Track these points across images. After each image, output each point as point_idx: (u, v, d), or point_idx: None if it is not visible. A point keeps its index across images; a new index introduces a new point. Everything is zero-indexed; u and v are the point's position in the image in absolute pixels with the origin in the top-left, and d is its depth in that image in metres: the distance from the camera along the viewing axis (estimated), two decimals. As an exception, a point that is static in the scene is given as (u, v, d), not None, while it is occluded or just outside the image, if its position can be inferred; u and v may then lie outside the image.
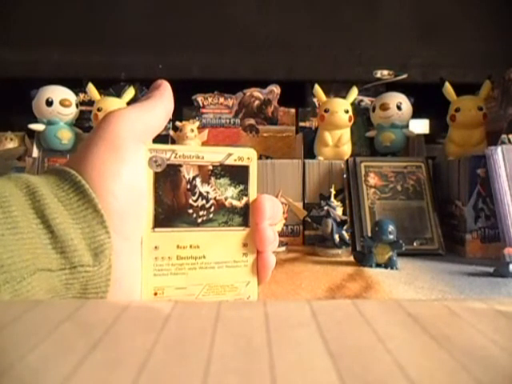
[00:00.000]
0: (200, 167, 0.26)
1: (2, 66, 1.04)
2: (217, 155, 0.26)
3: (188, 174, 0.25)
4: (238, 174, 0.26)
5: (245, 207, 0.27)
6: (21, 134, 1.01)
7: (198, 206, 0.26)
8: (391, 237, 0.55)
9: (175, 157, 0.25)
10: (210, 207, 0.26)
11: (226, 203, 0.26)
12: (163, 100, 0.26)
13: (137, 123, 0.24)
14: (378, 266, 0.56)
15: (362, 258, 0.57)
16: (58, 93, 0.79)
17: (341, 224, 0.65)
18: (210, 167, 0.26)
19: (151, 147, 0.24)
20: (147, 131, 0.24)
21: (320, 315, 0.14)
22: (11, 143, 1.00)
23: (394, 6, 1.08)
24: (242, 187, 0.27)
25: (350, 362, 0.11)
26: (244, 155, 0.27)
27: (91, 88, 0.81)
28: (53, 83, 0.81)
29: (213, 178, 0.26)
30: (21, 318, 0.14)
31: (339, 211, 0.66)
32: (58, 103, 0.79)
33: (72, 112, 0.80)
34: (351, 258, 0.61)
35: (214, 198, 0.26)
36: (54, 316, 0.14)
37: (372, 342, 0.12)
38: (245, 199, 0.27)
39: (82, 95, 0.91)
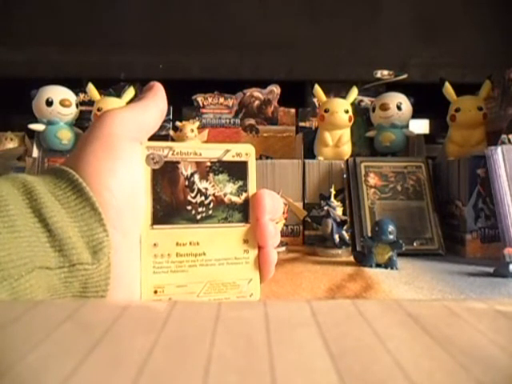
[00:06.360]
0: (198, 164, 0.26)
1: (1, 66, 1.04)
2: (214, 151, 0.26)
3: (186, 170, 0.25)
4: (236, 170, 0.26)
5: (244, 203, 0.26)
6: (21, 134, 1.01)
7: (196, 203, 0.25)
8: (391, 237, 0.55)
9: (173, 154, 0.25)
10: (209, 204, 0.26)
11: (225, 199, 0.26)
12: (156, 100, 0.26)
13: (131, 122, 0.24)
14: (378, 266, 0.56)
15: (362, 258, 0.57)
16: (58, 93, 0.79)
17: (341, 224, 0.65)
18: (208, 163, 0.26)
19: (148, 144, 0.25)
20: (141, 130, 0.25)
21: (320, 315, 0.14)
22: (11, 143, 1.00)
23: (394, 6, 1.08)
24: (240, 183, 0.26)
25: (350, 362, 0.11)
26: (242, 151, 0.27)
27: (91, 88, 0.81)
28: (53, 83, 0.81)
29: (211, 175, 0.26)
30: (21, 318, 0.14)
31: (339, 211, 0.66)
32: (58, 103, 0.78)
33: (72, 112, 0.80)
34: (351, 258, 0.61)
35: (213, 195, 0.26)
36: (54, 316, 0.14)
37: (372, 342, 0.12)
38: (244, 195, 0.26)
39: (81, 95, 0.91)
